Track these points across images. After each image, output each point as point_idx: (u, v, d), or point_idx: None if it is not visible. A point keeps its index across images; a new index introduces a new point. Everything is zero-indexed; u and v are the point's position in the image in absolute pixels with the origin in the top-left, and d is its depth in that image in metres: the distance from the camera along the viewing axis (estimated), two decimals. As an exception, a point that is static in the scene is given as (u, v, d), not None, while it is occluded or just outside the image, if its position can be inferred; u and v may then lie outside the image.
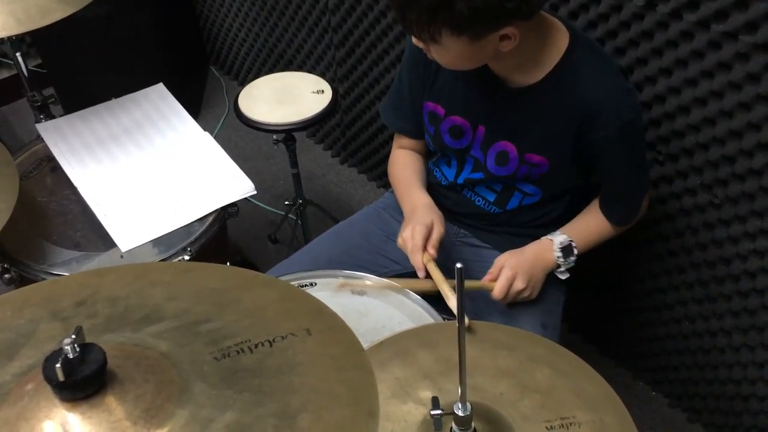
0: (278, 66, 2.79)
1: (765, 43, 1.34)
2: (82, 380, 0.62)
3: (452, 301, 1.25)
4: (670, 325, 1.88)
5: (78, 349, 0.63)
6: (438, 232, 1.39)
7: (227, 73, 3.15)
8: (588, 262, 1.53)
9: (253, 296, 0.80)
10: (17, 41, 1.78)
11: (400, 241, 1.42)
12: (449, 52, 1.25)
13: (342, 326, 0.76)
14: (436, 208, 1.46)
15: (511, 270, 1.39)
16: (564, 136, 1.37)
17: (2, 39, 1.61)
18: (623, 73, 1.40)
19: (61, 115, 1.88)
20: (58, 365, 0.61)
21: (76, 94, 2.79)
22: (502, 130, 1.41)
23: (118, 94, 1.90)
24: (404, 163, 1.61)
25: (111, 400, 0.64)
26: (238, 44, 2.95)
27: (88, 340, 0.68)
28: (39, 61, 2.90)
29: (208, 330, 0.74)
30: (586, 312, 2.14)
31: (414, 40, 1.29)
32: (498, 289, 1.39)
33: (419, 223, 1.40)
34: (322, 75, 2.56)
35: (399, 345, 1.08)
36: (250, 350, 0.71)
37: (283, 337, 0.73)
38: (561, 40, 1.34)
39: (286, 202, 2.23)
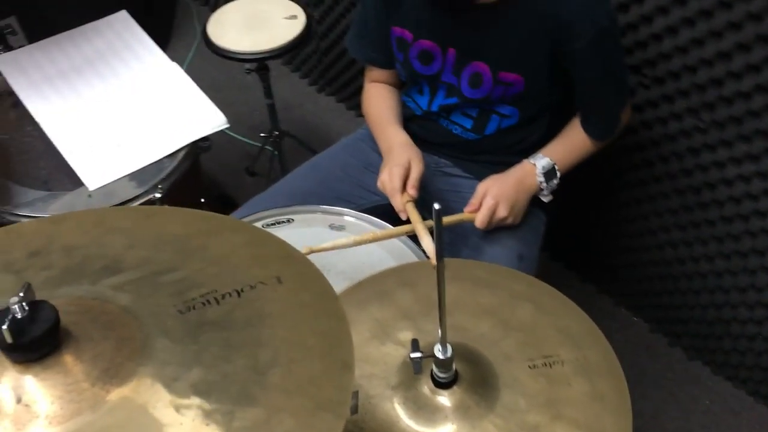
0: (250, -11, 2.67)
1: (758, -41, 1.27)
2: (32, 341, 0.58)
3: (425, 242, 1.22)
4: (652, 251, 1.86)
5: (27, 308, 0.59)
6: (416, 171, 1.36)
7: (197, -1, 3.02)
8: (571, 187, 1.49)
9: (220, 242, 0.75)
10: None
11: (379, 183, 1.38)
12: None
13: (314, 273, 0.72)
14: (413, 146, 1.41)
15: (492, 199, 1.35)
16: (538, 51, 1.31)
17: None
18: None
19: (21, 46, 1.78)
20: (4, 327, 0.56)
21: (38, 20, 2.66)
22: (473, 50, 1.35)
23: (81, 20, 1.80)
24: (377, 99, 1.55)
25: (67, 360, 0.60)
26: (207, -34, 2.82)
27: (43, 294, 0.63)
28: (-3, -12, 2.77)
29: (171, 280, 0.69)
30: (569, 239, 2.12)
31: None
32: (480, 220, 1.35)
33: (396, 164, 1.36)
34: (297, -1, 2.47)
35: (378, 285, 1.04)
36: (217, 301, 0.67)
37: (252, 287, 0.69)
38: None
39: (262, 134, 2.16)
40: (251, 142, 2.46)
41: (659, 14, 1.49)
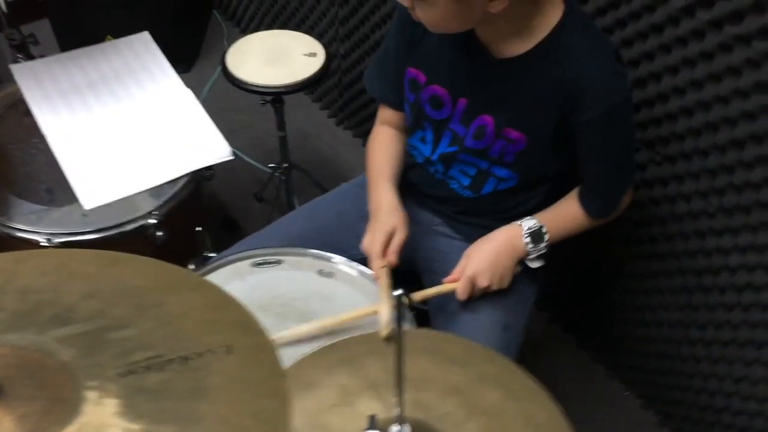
0: (281, 17, 2.69)
1: (777, 53, 1.25)
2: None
3: (382, 312, 1.21)
4: (650, 327, 1.83)
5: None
6: (399, 238, 1.36)
7: (230, 19, 3.05)
8: (573, 253, 1.46)
9: (178, 300, 0.74)
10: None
11: (362, 246, 1.38)
12: (435, 10, 1.19)
13: (267, 345, 0.70)
14: (399, 210, 1.40)
15: (471, 270, 1.35)
16: (545, 113, 1.29)
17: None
18: (618, 56, 1.32)
19: (41, 56, 1.80)
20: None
21: (72, 28, 2.70)
22: (482, 103, 1.34)
23: (114, 32, 1.82)
24: (380, 146, 1.54)
25: (-7, 417, 0.59)
26: (242, -10, 2.85)
27: (-12, 338, 0.62)
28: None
29: (119, 338, 0.68)
30: (568, 303, 2.09)
31: None
32: (460, 292, 1.36)
33: (379, 229, 1.36)
34: (324, 32, 2.48)
35: (350, 349, 1.02)
36: (160, 367, 0.66)
37: (199, 354, 0.68)
38: (554, 12, 1.26)
39: (271, 165, 2.16)
40: (263, 168, 2.46)
41: (675, 95, 1.47)
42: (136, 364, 0.66)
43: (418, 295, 1.35)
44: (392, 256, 1.34)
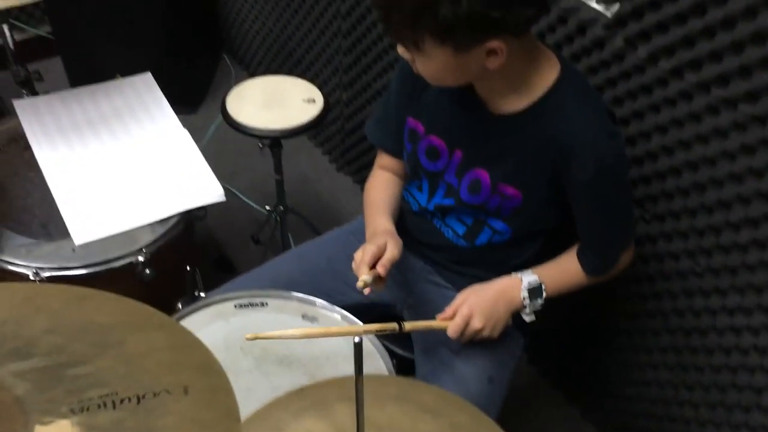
0: (288, 63, 2.74)
1: (763, 116, 1.26)
2: None
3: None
4: (639, 386, 1.80)
5: None
6: (390, 253, 1.34)
7: (239, 63, 3.11)
8: (562, 308, 1.46)
9: (141, 339, 0.74)
10: (5, 13, 1.73)
11: (353, 264, 1.37)
12: (433, 63, 1.21)
13: (226, 388, 0.70)
14: (395, 235, 1.41)
15: (467, 308, 1.33)
16: (540, 172, 1.31)
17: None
18: (612, 117, 1.34)
19: (46, 92, 1.84)
20: None
21: (82, 64, 2.76)
22: (478, 157, 1.36)
23: (123, 71, 1.86)
24: (379, 186, 1.56)
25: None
26: (251, 36, 2.90)
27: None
28: (49, 28, 2.89)
29: (75, 375, 0.68)
30: (557, 358, 2.07)
31: (400, 50, 1.25)
32: (452, 329, 1.33)
33: (371, 243, 1.35)
34: (329, 79, 2.52)
35: (320, 394, 1.02)
36: (114, 405, 0.66)
37: (155, 394, 0.68)
38: (550, 71, 1.28)
39: (267, 207, 2.18)
40: (261, 209, 2.48)
41: (664, 154, 1.48)
42: (90, 401, 0.66)
43: (409, 325, 1.34)
44: (381, 268, 1.32)
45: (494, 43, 1.15)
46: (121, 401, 0.66)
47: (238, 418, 0.68)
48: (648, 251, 1.61)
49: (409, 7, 1.12)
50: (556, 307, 1.44)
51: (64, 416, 0.64)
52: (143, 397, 0.67)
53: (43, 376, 0.68)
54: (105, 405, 0.66)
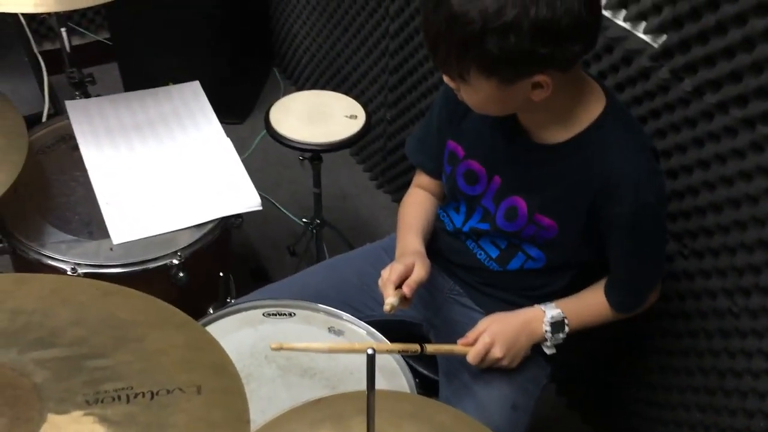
0: (335, 79, 2.77)
1: (809, 156, 1.23)
2: None
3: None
4: (669, 426, 1.76)
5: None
6: (417, 275, 1.33)
7: (288, 78, 3.15)
8: (593, 339, 1.43)
9: (160, 336, 0.76)
10: (63, 17, 1.79)
11: (380, 280, 1.37)
12: (478, 94, 1.21)
13: (238, 390, 0.71)
14: (424, 256, 1.40)
15: (489, 336, 1.32)
16: (577, 205, 1.29)
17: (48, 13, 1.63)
18: (656, 155, 1.32)
19: (97, 95, 1.89)
20: None
21: (137, 71, 2.84)
22: (516, 184, 1.35)
23: (176, 79, 1.91)
24: (415, 204, 1.56)
25: (-44, 428, 0.61)
26: (301, 52, 2.95)
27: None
28: (108, 34, 2.97)
29: (94, 367, 0.70)
30: (586, 392, 2.04)
31: (445, 78, 1.25)
32: (473, 355, 1.32)
33: (399, 262, 1.35)
34: (374, 97, 2.54)
35: (337, 407, 1.01)
36: (128, 399, 0.67)
37: (169, 391, 0.69)
38: (596, 105, 1.27)
39: (304, 220, 2.20)
40: (298, 221, 2.50)
41: (706, 189, 1.45)
42: (105, 393, 0.67)
43: (431, 348, 1.33)
44: (406, 288, 1.31)
45: (540, 77, 1.15)
46: (135, 396, 0.68)
47: (247, 421, 0.68)
48: (685, 288, 1.58)
49: (456, 39, 1.12)
50: (585, 339, 1.42)
51: (78, 407, 0.65)
52: (157, 393, 0.68)
53: (63, 365, 0.69)
54: (119, 398, 0.67)
